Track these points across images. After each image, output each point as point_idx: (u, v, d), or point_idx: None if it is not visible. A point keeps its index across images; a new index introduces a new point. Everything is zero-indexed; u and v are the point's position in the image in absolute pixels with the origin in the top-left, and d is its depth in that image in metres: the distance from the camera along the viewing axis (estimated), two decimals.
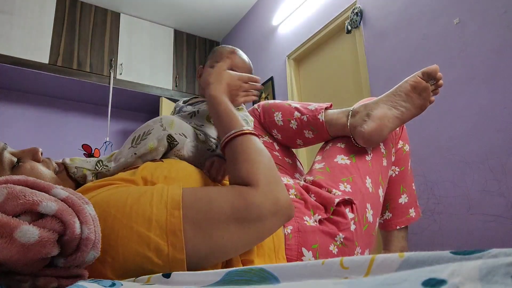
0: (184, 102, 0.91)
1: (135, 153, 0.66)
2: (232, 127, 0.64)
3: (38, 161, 0.64)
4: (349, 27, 2.31)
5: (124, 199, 0.50)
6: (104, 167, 0.67)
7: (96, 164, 0.67)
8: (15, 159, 0.60)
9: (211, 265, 0.53)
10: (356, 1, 2.30)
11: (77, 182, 0.68)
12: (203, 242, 0.49)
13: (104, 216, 0.47)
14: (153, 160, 0.67)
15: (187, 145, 0.70)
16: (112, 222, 0.47)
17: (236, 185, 0.58)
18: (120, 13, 3.46)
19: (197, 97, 0.90)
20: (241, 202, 0.53)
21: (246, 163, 0.59)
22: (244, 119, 0.81)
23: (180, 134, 0.70)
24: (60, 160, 0.69)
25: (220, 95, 0.70)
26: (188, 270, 0.48)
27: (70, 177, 0.67)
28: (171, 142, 0.68)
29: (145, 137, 0.67)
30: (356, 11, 2.26)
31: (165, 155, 0.70)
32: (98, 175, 0.67)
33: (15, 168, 0.59)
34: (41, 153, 0.65)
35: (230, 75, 0.75)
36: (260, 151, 0.62)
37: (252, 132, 0.64)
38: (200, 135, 0.75)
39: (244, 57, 0.89)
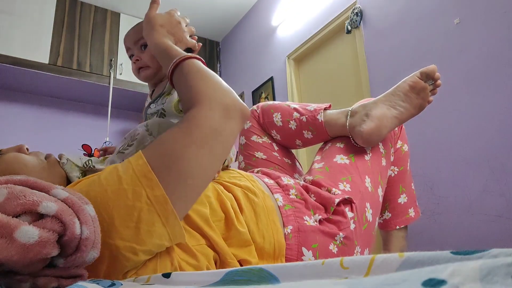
0: (150, 96, 0.88)
1: (122, 160, 0.65)
2: (175, 56, 0.63)
3: (24, 154, 0.64)
4: (349, 27, 2.31)
5: (95, 176, 0.51)
6: (91, 167, 0.67)
7: (86, 162, 0.68)
8: None
9: (197, 197, 0.54)
10: (356, 1, 2.30)
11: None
12: (176, 178, 0.50)
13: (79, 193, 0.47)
14: None
15: None
16: (86, 195, 0.47)
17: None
18: (120, 13, 3.46)
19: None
20: (190, 124, 0.54)
21: (189, 86, 0.59)
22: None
23: None
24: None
25: (160, 40, 0.69)
26: (178, 215, 0.49)
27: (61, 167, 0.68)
28: None
29: (132, 143, 0.67)
30: (356, 11, 2.26)
31: None
32: (86, 173, 0.67)
33: None
34: (27, 149, 0.65)
35: (160, 16, 0.73)
36: (201, 71, 0.61)
37: (193, 56, 0.63)
38: None
39: None
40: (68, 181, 0.68)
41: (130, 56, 0.82)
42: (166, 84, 0.78)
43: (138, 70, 0.81)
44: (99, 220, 0.45)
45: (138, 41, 0.79)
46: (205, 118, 0.54)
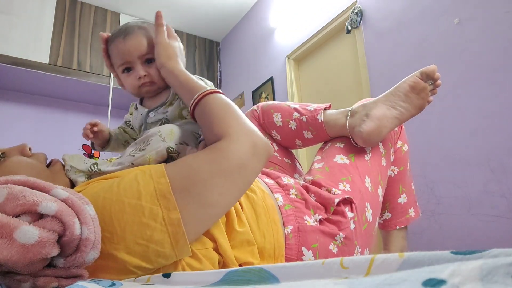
0: (141, 103, 0.84)
1: (132, 163, 0.65)
2: (195, 91, 0.66)
3: (27, 156, 0.63)
4: (349, 27, 2.31)
5: (111, 182, 0.51)
6: (98, 170, 0.66)
7: (91, 167, 0.66)
8: None
9: (210, 225, 0.55)
10: (356, 1, 2.30)
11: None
12: (195, 204, 0.51)
13: (94, 199, 0.47)
14: None
15: (189, 152, 0.69)
16: (102, 202, 0.48)
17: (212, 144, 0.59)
18: (120, 13, 3.46)
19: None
20: (218, 155, 0.55)
21: (216, 120, 0.61)
22: (201, 79, 0.78)
23: (181, 143, 0.68)
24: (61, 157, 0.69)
25: (180, 69, 0.72)
26: (189, 239, 0.50)
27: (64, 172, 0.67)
28: (171, 154, 0.67)
29: (144, 148, 0.66)
30: (356, 11, 2.26)
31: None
32: (92, 177, 0.66)
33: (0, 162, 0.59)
34: (30, 149, 0.64)
35: (173, 44, 0.75)
36: (226, 106, 0.63)
37: (215, 90, 0.66)
38: (198, 136, 0.74)
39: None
40: (72, 186, 0.67)
41: (124, 70, 0.76)
42: (167, 95, 0.77)
43: (141, 86, 0.76)
44: (110, 230, 0.45)
45: (143, 56, 0.75)
46: (234, 151, 0.56)
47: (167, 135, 0.67)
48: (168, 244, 0.48)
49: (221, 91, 0.66)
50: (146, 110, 0.79)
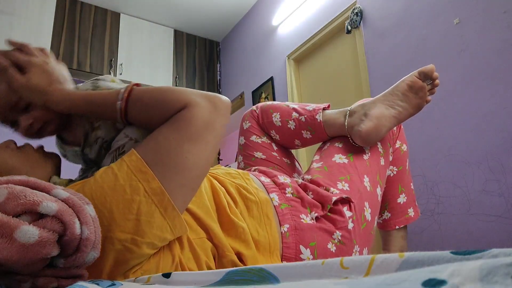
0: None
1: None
2: (113, 94, 0.60)
3: (12, 149, 0.64)
4: (349, 27, 2.31)
5: (90, 178, 0.53)
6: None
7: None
8: None
9: (196, 189, 0.56)
10: (356, 1, 2.30)
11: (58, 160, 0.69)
12: (172, 172, 0.52)
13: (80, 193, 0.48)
14: None
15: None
16: (81, 191, 0.49)
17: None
18: (120, 13, 3.46)
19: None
20: (183, 123, 0.56)
21: (160, 103, 0.58)
22: (98, 79, 0.71)
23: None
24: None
25: (67, 94, 0.62)
26: (179, 208, 0.51)
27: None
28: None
29: (123, 151, 0.64)
30: (356, 11, 2.26)
31: None
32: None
33: None
34: (15, 143, 0.66)
35: (36, 72, 0.62)
36: (157, 89, 0.61)
37: (133, 84, 0.63)
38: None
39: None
40: (58, 169, 0.68)
41: (10, 124, 0.66)
42: (85, 125, 0.67)
43: (37, 132, 0.67)
44: (99, 216, 0.45)
45: (16, 105, 0.63)
46: (197, 115, 0.56)
47: (137, 134, 0.62)
48: (157, 213, 0.49)
49: (136, 83, 0.62)
50: (76, 149, 0.71)
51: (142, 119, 0.61)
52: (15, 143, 0.66)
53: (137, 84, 0.63)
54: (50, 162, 0.67)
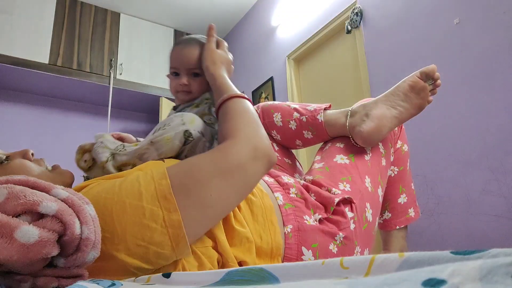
0: (174, 108, 0.90)
1: (151, 141, 0.67)
2: (225, 93, 0.70)
3: (29, 160, 0.64)
4: (349, 27, 2.31)
5: (112, 183, 0.52)
6: (123, 150, 0.69)
7: (118, 146, 0.70)
8: (3, 156, 0.61)
9: (209, 227, 0.55)
10: (356, 1, 2.30)
11: (72, 181, 0.68)
12: (194, 205, 0.51)
13: (96, 199, 0.47)
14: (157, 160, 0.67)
15: (201, 144, 0.70)
16: (104, 203, 0.48)
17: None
18: (120, 13, 3.46)
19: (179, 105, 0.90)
20: (219, 155, 0.56)
21: (229, 122, 0.63)
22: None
23: (198, 132, 0.70)
24: (85, 143, 0.73)
25: (221, 74, 0.76)
26: (189, 241, 0.50)
27: (64, 175, 0.68)
28: (187, 138, 0.68)
29: (164, 128, 0.68)
30: (356, 11, 2.26)
31: (181, 155, 0.70)
32: (115, 157, 0.69)
33: (3, 164, 0.60)
34: (32, 154, 0.65)
35: (221, 52, 0.82)
36: (244, 111, 0.66)
37: (241, 95, 0.69)
38: (216, 138, 0.75)
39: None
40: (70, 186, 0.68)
41: (173, 73, 0.83)
42: (197, 100, 0.83)
43: (178, 91, 0.83)
44: (111, 231, 0.45)
45: (191, 70, 0.81)
46: (234, 152, 0.56)
47: (188, 121, 0.69)
48: (169, 246, 0.48)
49: (247, 98, 0.70)
50: (173, 112, 0.83)
51: (219, 126, 0.67)
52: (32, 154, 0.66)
53: (244, 97, 0.70)
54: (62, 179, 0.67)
